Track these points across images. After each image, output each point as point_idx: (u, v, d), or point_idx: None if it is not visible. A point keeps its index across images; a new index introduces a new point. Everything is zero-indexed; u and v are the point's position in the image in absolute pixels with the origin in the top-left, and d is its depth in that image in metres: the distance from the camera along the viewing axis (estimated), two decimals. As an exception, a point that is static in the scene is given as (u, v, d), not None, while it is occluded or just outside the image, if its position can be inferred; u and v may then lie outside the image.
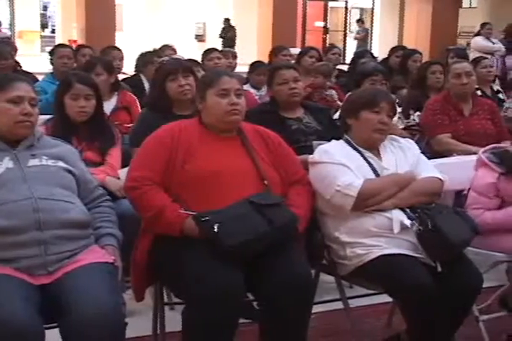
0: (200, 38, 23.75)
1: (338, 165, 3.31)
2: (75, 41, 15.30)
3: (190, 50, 15.58)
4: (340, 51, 8.67)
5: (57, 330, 2.64)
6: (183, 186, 3.12)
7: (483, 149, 3.71)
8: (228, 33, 20.35)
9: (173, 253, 3.01)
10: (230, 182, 3.11)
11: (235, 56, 8.00)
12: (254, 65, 7.17)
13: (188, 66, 4.50)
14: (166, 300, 3.50)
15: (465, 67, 5.21)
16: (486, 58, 7.00)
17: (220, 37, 20.60)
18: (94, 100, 4.06)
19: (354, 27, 23.94)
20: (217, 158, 3.18)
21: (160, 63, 5.28)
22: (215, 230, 2.92)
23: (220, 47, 9.10)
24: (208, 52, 7.34)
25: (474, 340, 3.62)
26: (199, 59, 7.04)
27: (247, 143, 3.28)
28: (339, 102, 6.13)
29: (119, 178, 3.83)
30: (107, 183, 3.77)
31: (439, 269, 3.14)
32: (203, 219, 2.97)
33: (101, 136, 4.07)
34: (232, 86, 3.28)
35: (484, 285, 3.29)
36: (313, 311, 3.24)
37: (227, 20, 20.67)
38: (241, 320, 2.99)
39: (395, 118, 4.97)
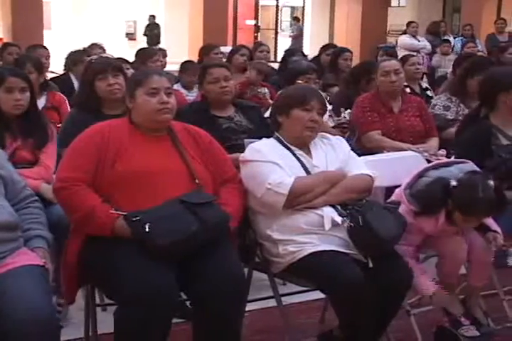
0: (130, 36, 23.49)
1: (269, 164, 3.32)
2: (0, 39, 14.98)
3: (120, 49, 15.44)
4: (268, 48, 8.72)
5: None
6: (114, 186, 3.09)
7: (406, 184, 3.50)
8: (154, 31, 20.16)
9: (104, 254, 2.98)
10: (161, 182, 3.09)
11: (165, 55, 7.95)
12: (185, 65, 7.10)
13: (117, 65, 4.45)
14: (98, 301, 3.46)
15: (394, 64, 5.28)
16: (414, 56, 7.11)
17: (144, 35, 20.41)
18: (29, 93, 3.91)
19: (286, 25, 24.06)
20: (147, 157, 3.15)
21: (88, 62, 5.21)
22: (147, 230, 2.91)
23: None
24: (151, 53, 7.17)
25: (405, 333, 3.68)
26: (130, 57, 6.96)
27: (177, 143, 3.27)
28: (270, 101, 6.15)
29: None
30: (42, 191, 3.65)
31: (371, 265, 3.18)
32: (134, 219, 2.95)
33: (36, 132, 3.91)
34: (162, 85, 3.26)
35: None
36: (246, 309, 3.27)
37: (152, 17, 20.45)
38: (174, 320, 2.99)
39: (326, 116, 5.02)
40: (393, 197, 3.60)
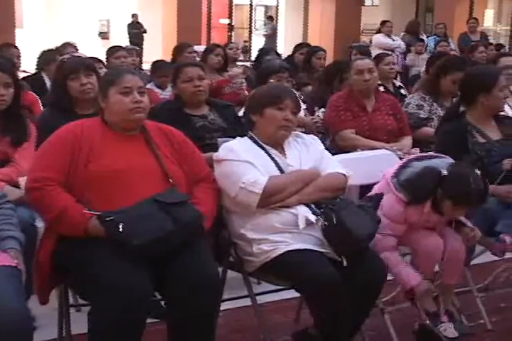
0: (103, 35, 23.37)
1: (243, 163, 3.32)
2: (-29, 38, 14.84)
3: (93, 48, 15.34)
4: (237, 46, 8.77)
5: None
6: (87, 186, 3.08)
7: (393, 172, 3.56)
8: (136, 29, 20.01)
9: (78, 254, 2.97)
10: (135, 182, 3.08)
11: (138, 54, 7.92)
12: (156, 65, 7.07)
13: (89, 64, 4.42)
14: (71, 301, 3.44)
15: (367, 63, 5.30)
16: (389, 55, 7.13)
17: (129, 33, 20.27)
18: (13, 89, 3.81)
19: (260, 24, 24.06)
20: (120, 157, 3.14)
21: (60, 61, 5.17)
22: (120, 230, 2.90)
23: (125, 44, 8.94)
24: (114, 50, 7.20)
25: (380, 331, 3.70)
26: (103, 57, 6.93)
27: (150, 142, 3.25)
28: (246, 92, 6.14)
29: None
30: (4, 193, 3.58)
31: (345, 263, 3.18)
32: (108, 219, 2.94)
33: (15, 129, 3.81)
34: (135, 84, 3.25)
35: (389, 278, 3.37)
36: (221, 308, 3.26)
37: (134, 16, 20.29)
38: (149, 320, 2.97)
39: (301, 115, 5.03)
40: (376, 190, 3.61)
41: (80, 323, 3.12)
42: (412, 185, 3.45)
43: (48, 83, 6.41)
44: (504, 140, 4.11)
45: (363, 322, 3.42)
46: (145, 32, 18.97)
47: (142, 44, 18.28)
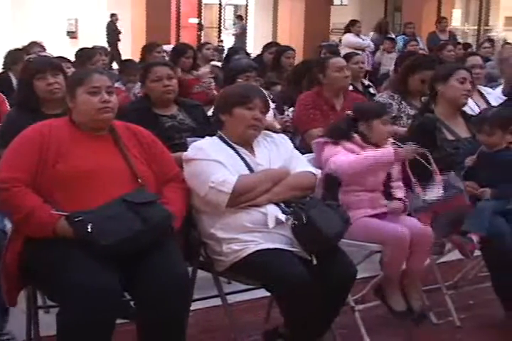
0: (72, 34, 23.20)
1: (212, 162, 3.31)
2: None
3: (61, 47, 15.23)
4: (213, 46, 8.74)
5: None
6: (55, 186, 3.05)
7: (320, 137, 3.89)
8: (117, 29, 19.84)
9: (45, 255, 2.94)
10: (103, 182, 3.06)
11: (107, 53, 7.87)
12: (124, 64, 7.01)
13: (57, 64, 4.38)
14: (40, 303, 3.41)
15: (343, 61, 5.39)
16: (358, 54, 7.15)
17: (108, 33, 20.10)
18: None
19: (229, 24, 24.03)
20: (89, 157, 3.12)
21: (27, 61, 5.12)
22: (89, 230, 2.88)
23: (94, 44, 8.85)
24: (91, 55, 7.07)
25: (350, 329, 3.71)
26: (71, 56, 6.86)
27: (119, 142, 3.24)
28: (215, 92, 6.13)
29: None
30: None
31: (315, 262, 3.19)
32: (76, 220, 2.92)
33: None
34: (103, 83, 3.23)
35: (359, 276, 3.38)
36: (192, 308, 3.26)
37: (113, 15, 20.07)
38: (118, 321, 2.96)
39: (270, 114, 5.02)
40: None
41: (48, 325, 3.10)
42: (329, 130, 3.90)
43: (15, 83, 6.34)
44: (472, 138, 4.15)
45: (334, 320, 3.43)
46: (120, 33, 18.83)
47: (117, 44, 18.16)
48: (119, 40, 18.62)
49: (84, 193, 3.04)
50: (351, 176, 3.68)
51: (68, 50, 8.50)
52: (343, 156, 3.71)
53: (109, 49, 17.40)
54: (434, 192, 3.76)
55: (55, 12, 22.48)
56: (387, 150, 3.69)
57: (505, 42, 10.75)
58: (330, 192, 3.71)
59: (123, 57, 7.74)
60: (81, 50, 7.22)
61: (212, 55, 8.27)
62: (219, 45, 17.15)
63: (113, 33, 18.91)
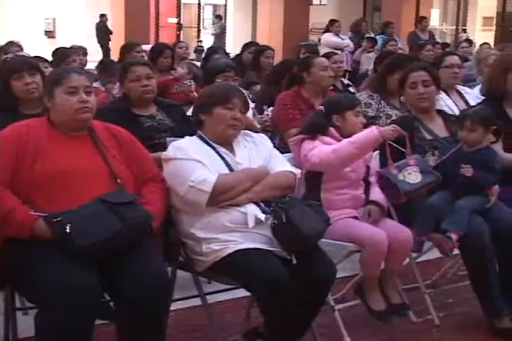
0: (50, 34, 23.10)
1: (192, 161, 3.31)
2: None
3: (39, 47, 15.16)
4: (186, 45, 8.75)
5: None
6: (33, 187, 3.04)
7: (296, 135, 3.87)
8: (104, 29, 19.72)
9: (24, 256, 2.93)
10: (82, 182, 3.05)
11: (85, 53, 7.83)
12: (103, 64, 6.98)
13: (34, 63, 4.34)
14: (18, 305, 3.39)
15: (327, 60, 5.41)
16: (337, 54, 7.18)
17: (97, 34, 19.98)
18: None
19: (209, 23, 24.02)
20: (67, 157, 3.11)
21: (3, 61, 5.07)
22: (68, 231, 2.87)
23: (72, 44, 8.80)
24: (66, 55, 7.02)
25: (330, 329, 3.72)
26: (49, 56, 6.82)
27: (98, 142, 3.22)
28: (195, 94, 6.12)
29: None
30: None
31: (294, 261, 3.19)
32: (55, 220, 2.91)
33: None
34: (81, 83, 3.21)
35: (338, 275, 3.39)
36: (172, 308, 3.25)
37: (103, 15, 19.93)
38: (98, 322, 2.95)
39: (249, 114, 5.02)
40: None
41: (27, 327, 3.07)
42: (304, 126, 3.90)
43: (-8, 83, 6.28)
44: (451, 137, 4.15)
45: (314, 320, 3.44)
46: (111, 33, 18.72)
47: (108, 44, 18.10)
48: (109, 40, 18.52)
49: (63, 193, 3.02)
50: (336, 167, 3.68)
51: (46, 50, 8.44)
52: (325, 146, 3.70)
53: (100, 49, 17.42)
54: (413, 175, 3.75)
55: (33, 11, 22.38)
56: (371, 130, 3.68)
57: (483, 43, 10.81)
58: (312, 191, 3.73)
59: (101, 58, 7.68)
60: (57, 49, 7.18)
61: (184, 54, 8.25)
62: (198, 46, 17.12)
63: (103, 33, 18.82)
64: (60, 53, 6.98)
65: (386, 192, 3.82)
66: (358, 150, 3.65)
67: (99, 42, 18.58)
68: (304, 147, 3.76)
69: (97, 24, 19.20)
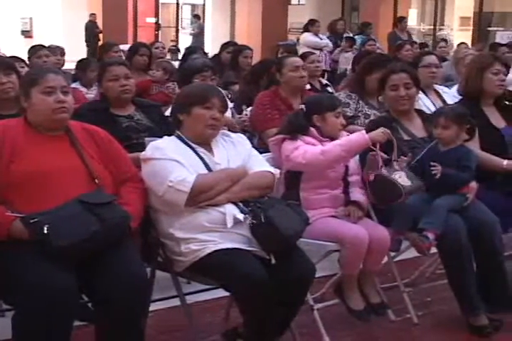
0: (26, 33, 22.94)
1: (171, 161, 3.30)
2: None
3: (16, 46, 15.05)
4: (163, 45, 8.75)
5: None
6: (10, 188, 3.02)
7: (277, 135, 3.86)
8: (95, 29, 19.58)
9: (0, 257, 2.90)
10: (59, 183, 3.03)
11: (63, 53, 7.79)
12: (82, 63, 6.96)
13: (9, 63, 4.31)
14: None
15: (300, 60, 5.41)
16: (314, 53, 7.19)
17: (88, 33, 19.87)
18: None
19: (187, 23, 23.97)
20: (44, 157, 3.09)
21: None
22: (45, 231, 2.85)
23: (50, 43, 8.75)
24: (36, 49, 7.04)
25: (310, 328, 3.72)
26: (26, 55, 6.78)
27: (75, 142, 3.21)
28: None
29: None
30: None
31: (273, 261, 3.19)
32: (32, 221, 2.89)
33: None
34: (58, 83, 3.20)
35: (318, 275, 3.40)
36: (151, 309, 3.24)
37: (92, 15, 19.80)
38: (76, 323, 2.93)
39: (228, 114, 5.02)
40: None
41: (4, 329, 3.05)
42: (285, 125, 3.88)
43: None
44: (429, 137, 4.17)
45: (293, 319, 3.44)
46: (101, 32, 18.60)
47: (97, 43, 17.97)
48: (99, 40, 18.39)
49: (40, 194, 3.01)
50: (323, 168, 3.69)
51: (23, 50, 8.38)
52: (311, 147, 3.70)
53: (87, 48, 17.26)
54: (404, 179, 3.76)
55: (9, 11, 22.20)
56: (362, 134, 3.70)
57: (461, 42, 10.88)
58: (291, 190, 3.74)
59: (79, 58, 7.63)
60: (32, 47, 7.16)
61: (161, 54, 8.24)
62: (172, 46, 17.04)
63: (92, 32, 18.70)
64: (31, 50, 7.00)
65: (382, 194, 3.81)
66: (346, 152, 3.66)
67: (87, 41, 18.46)
68: (285, 147, 3.76)
69: (86, 23, 19.11)
